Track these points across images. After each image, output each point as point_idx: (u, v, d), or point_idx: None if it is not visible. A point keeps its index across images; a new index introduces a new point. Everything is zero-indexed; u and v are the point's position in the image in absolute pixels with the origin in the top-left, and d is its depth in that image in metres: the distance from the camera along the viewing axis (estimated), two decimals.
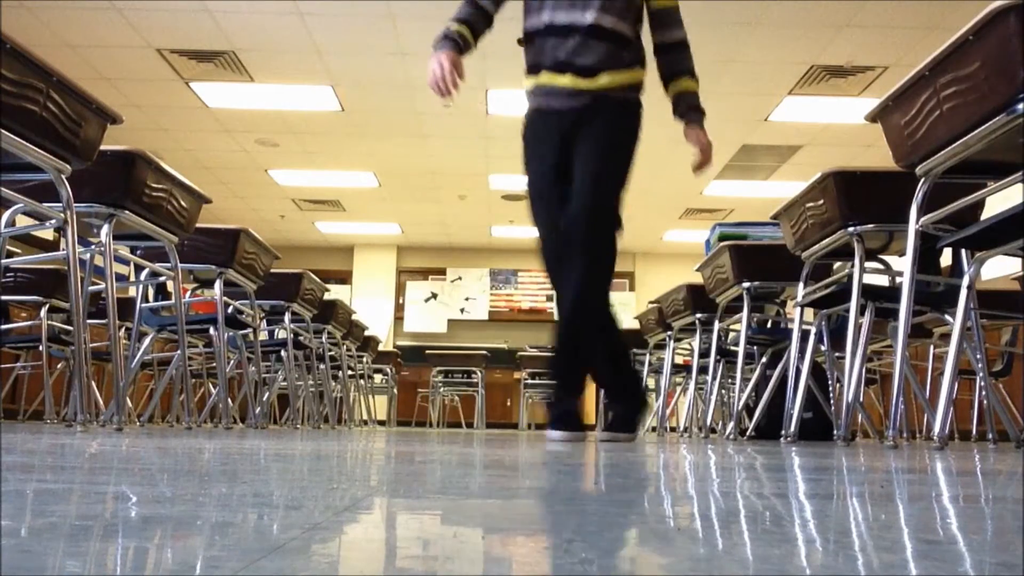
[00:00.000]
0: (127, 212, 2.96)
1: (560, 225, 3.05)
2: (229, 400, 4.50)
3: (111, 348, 3.04)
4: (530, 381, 9.72)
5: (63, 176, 2.53)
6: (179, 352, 3.80)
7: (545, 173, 3.13)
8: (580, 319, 3.02)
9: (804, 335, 3.47)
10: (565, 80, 3.04)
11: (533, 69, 3.11)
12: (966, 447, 3.19)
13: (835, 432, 3.00)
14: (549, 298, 13.43)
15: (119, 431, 2.71)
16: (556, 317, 3.16)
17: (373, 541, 0.54)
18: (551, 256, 3.13)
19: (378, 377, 9.68)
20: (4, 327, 5.03)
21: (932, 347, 4.71)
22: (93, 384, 4.78)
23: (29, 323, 5.06)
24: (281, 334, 5.46)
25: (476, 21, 3.11)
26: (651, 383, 7.44)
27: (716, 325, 4.57)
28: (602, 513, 0.70)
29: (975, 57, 2.01)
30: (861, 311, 2.88)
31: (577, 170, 3.06)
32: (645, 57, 3.18)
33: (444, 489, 0.90)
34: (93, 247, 3.03)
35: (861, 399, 3.50)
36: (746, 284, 3.94)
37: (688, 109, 3.17)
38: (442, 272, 13.39)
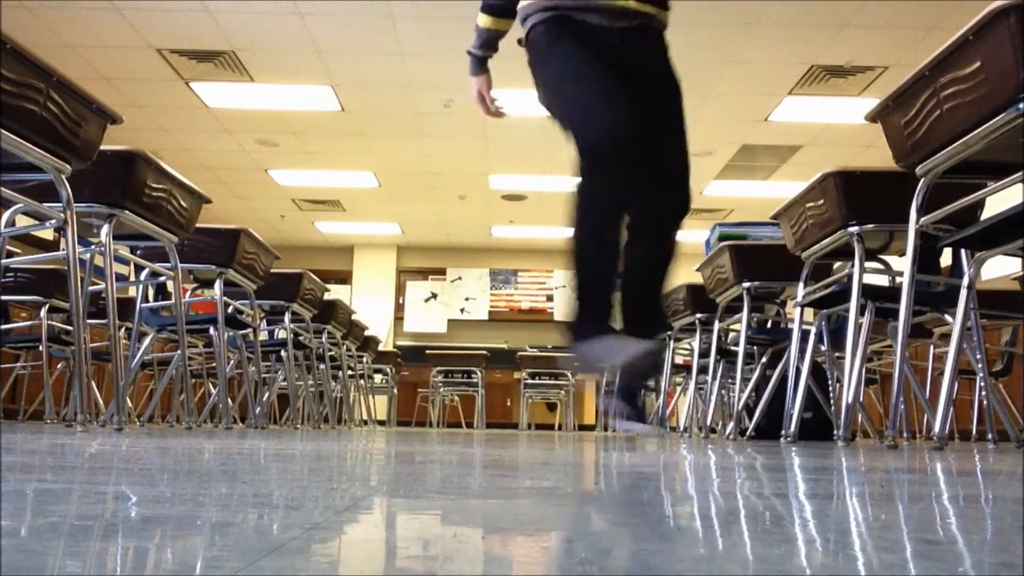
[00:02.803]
0: (127, 212, 2.96)
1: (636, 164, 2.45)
2: (229, 400, 4.50)
3: (111, 348, 3.04)
4: (530, 381, 9.72)
5: (63, 176, 2.53)
6: (179, 352, 3.80)
7: (591, 66, 2.44)
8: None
9: (804, 335, 3.47)
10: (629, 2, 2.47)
11: None
12: (966, 447, 3.19)
13: (835, 432, 3.00)
14: (549, 298, 13.44)
15: (119, 431, 2.71)
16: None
17: (373, 541, 0.54)
18: (621, 147, 2.40)
19: (378, 377, 9.68)
20: (4, 327, 5.03)
21: (932, 347, 4.71)
22: (93, 384, 4.78)
23: (29, 323, 5.06)
24: (281, 334, 5.46)
25: None
26: (651, 383, 7.43)
27: (716, 325, 4.57)
28: (602, 513, 0.70)
29: (975, 57, 2.01)
30: (861, 311, 2.88)
31: (661, 131, 2.57)
32: None
33: (444, 489, 0.90)
34: (93, 247, 3.03)
35: (861, 399, 3.50)
36: (746, 284, 3.94)
37: None
38: (442, 272, 13.39)
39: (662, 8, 2.60)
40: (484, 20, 2.60)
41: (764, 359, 4.31)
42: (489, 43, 2.65)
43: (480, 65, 2.68)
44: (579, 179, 2.51)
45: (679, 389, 7.29)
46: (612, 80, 2.46)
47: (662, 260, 2.69)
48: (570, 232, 2.56)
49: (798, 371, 3.38)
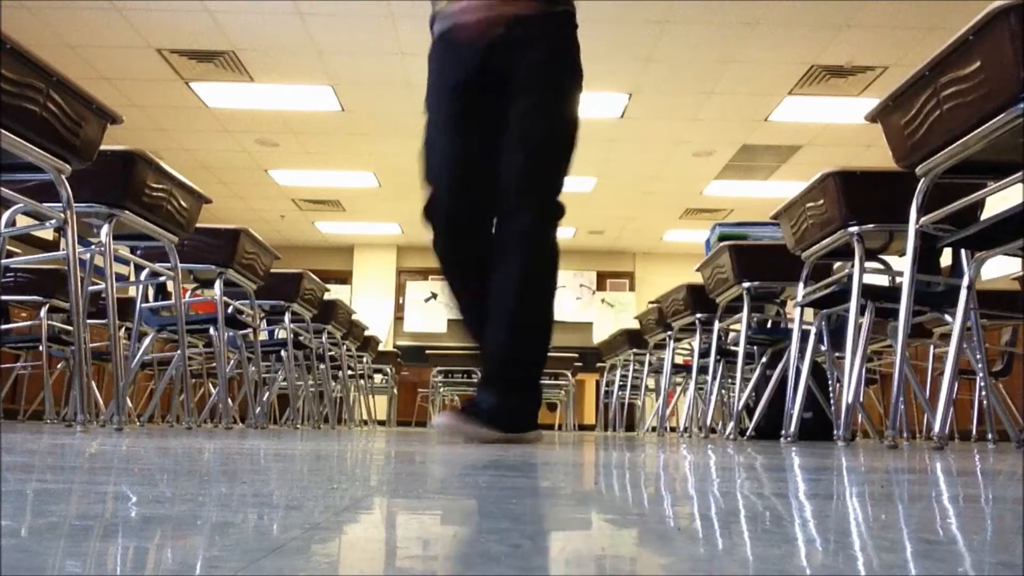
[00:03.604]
0: (127, 212, 2.96)
1: (464, 195, 2.49)
2: (229, 400, 4.50)
3: (111, 348, 3.04)
4: None
5: (63, 176, 2.53)
6: (179, 352, 3.80)
7: (448, 121, 2.51)
8: (522, 337, 2.44)
9: (804, 335, 3.47)
10: None
11: None
12: (966, 447, 3.19)
13: (835, 432, 3.00)
14: None
15: (119, 431, 2.71)
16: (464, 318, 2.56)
17: (373, 541, 0.54)
18: (450, 229, 2.49)
19: (378, 377, 9.68)
20: (4, 327, 5.03)
21: (932, 347, 4.71)
22: (93, 384, 4.78)
23: (29, 323, 5.06)
24: (281, 334, 5.46)
25: None
26: (651, 383, 7.44)
27: (716, 325, 4.57)
28: (602, 513, 0.70)
29: (975, 57, 2.01)
30: (861, 311, 2.88)
31: (513, 136, 2.43)
32: None
33: (444, 489, 0.90)
34: (93, 247, 3.03)
35: (861, 399, 3.50)
36: (746, 284, 3.94)
37: None
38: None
39: None
40: None
41: (764, 359, 4.31)
42: None
43: None
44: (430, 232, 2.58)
45: (679, 389, 7.29)
46: (461, 143, 2.51)
47: (527, 280, 2.41)
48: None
49: (798, 371, 3.38)
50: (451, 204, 2.51)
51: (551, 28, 2.51)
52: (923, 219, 2.39)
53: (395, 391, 10.06)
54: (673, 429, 8.01)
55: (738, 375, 4.05)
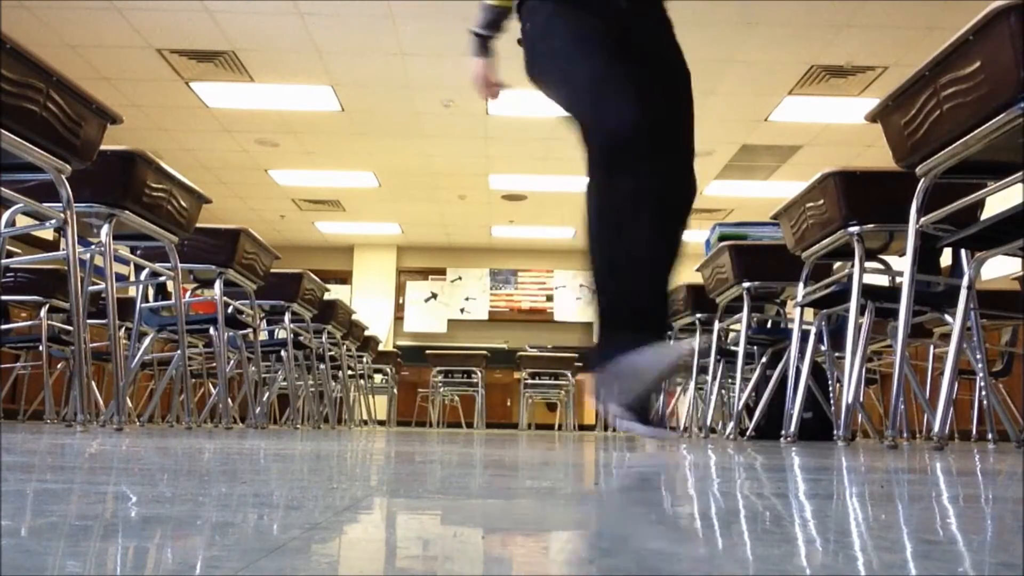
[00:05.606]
0: (127, 212, 2.96)
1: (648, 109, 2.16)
2: (229, 400, 4.50)
3: (111, 348, 3.04)
4: (530, 381, 9.72)
5: (63, 176, 2.53)
6: (179, 352, 3.80)
7: (612, 48, 2.19)
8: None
9: (804, 335, 3.47)
10: None
11: None
12: (966, 447, 3.19)
13: (835, 432, 3.00)
14: (549, 298, 13.43)
15: (119, 431, 2.71)
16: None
17: (373, 541, 0.54)
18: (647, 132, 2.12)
19: (378, 377, 9.68)
20: (4, 327, 5.03)
21: (932, 347, 4.71)
22: (93, 384, 4.78)
23: (29, 323, 5.05)
24: (281, 334, 5.46)
25: None
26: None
27: (716, 325, 4.57)
28: (602, 513, 0.70)
29: (975, 57, 2.01)
30: (861, 311, 2.88)
31: (657, 63, 2.32)
32: None
33: (444, 489, 0.90)
34: (93, 247, 3.03)
35: (861, 399, 3.50)
36: (746, 284, 3.94)
37: None
38: (442, 272, 13.38)
39: None
40: None
41: (764, 359, 4.31)
42: (494, 22, 2.43)
43: (482, 46, 2.48)
44: (592, 176, 2.20)
45: (679, 389, 7.28)
46: (624, 55, 2.18)
47: (672, 252, 2.48)
48: (588, 238, 2.28)
49: (798, 371, 3.38)
50: (634, 115, 2.18)
51: (668, 16, 2.46)
52: (923, 219, 2.39)
53: (395, 391, 10.06)
54: (673, 429, 8.00)
55: (738, 375, 4.05)
